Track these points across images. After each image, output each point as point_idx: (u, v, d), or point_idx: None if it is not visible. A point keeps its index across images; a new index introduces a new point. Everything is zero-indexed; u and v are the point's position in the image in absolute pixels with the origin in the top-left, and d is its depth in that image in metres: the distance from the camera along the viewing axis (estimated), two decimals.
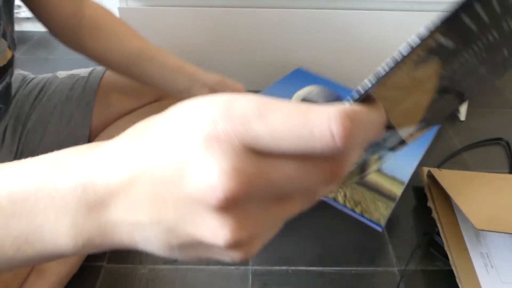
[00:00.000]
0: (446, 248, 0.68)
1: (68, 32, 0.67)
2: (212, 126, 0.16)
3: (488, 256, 0.67)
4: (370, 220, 0.54)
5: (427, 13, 0.94)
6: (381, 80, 0.18)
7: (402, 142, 0.29)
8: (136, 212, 0.19)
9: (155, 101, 0.78)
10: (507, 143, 0.98)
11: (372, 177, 0.61)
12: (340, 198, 0.56)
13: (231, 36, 0.95)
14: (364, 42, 0.98)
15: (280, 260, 0.69)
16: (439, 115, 0.30)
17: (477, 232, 0.71)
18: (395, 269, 0.69)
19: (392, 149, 0.30)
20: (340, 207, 0.55)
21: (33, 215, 0.20)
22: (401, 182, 0.67)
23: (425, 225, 0.77)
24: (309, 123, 0.16)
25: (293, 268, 0.68)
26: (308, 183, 0.17)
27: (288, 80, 0.87)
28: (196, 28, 0.94)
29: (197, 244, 0.18)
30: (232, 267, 0.68)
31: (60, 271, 0.61)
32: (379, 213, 0.56)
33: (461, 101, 0.30)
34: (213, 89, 0.68)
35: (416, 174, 0.86)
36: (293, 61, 0.98)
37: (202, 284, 0.65)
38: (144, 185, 0.18)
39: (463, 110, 1.06)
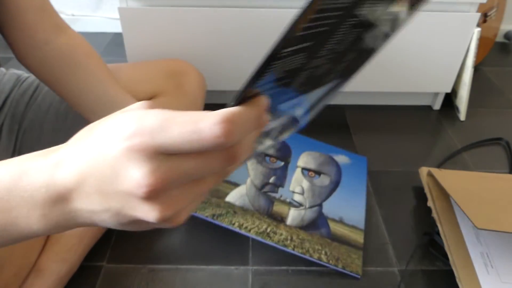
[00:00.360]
0: (446, 248, 0.68)
1: (36, 62, 0.60)
2: (130, 141, 0.22)
3: (488, 256, 0.67)
4: (351, 272, 0.67)
5: (426, 13, 0.94)
6: (259, 76, 0.22)
7: (319, 101, 0.34)
8: (90, 202, 0.25)
9: (150, 98, 0.79)
10: (507, 143, 0.98)
11: (339, 230, 0.73)
12: (324, 257, 0.67)
13: (231, 36, 0.95)
14: None
15: (280, 260, 0.69)
16: (347, 73, 0.33)
17: (477, 232, 0.71)
18: (395, 269, 0.69)
19: (310, 110, 0.34)
20: (326, 265, 0.67)
21: (8, 211, 0.26)
22: (361, 230, 0.74)
23: (425, 225, 0.77)
24: (198, 130, 0.22)
25: (293, 268, 0.68)
26: (211, 169, 0.24)
27: None
28: (196, 28, 0.94)
29: (139, 221, 0.25)
30: (232, 267, 0.68)
31: (60, 270, 0.61)
32: (355, 264, 0.68)
33: (369, 56, 0.32)
34: None
35: (416, 174, 0.86)
36: None
37: (202, 284, 0.65)
38: (92, 184, 0.24)
39: (463, 110, 1.06)
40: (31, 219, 0.26)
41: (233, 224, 0.68)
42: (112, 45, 1.41)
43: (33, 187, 0.25)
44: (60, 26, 0.61)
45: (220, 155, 0.23)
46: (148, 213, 0.23)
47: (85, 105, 0.64)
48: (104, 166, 0.23)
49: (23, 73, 0.75)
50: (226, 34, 0.95)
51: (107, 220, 0.25)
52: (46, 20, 0.59)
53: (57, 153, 0.26)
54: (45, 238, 0.62)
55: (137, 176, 0.22)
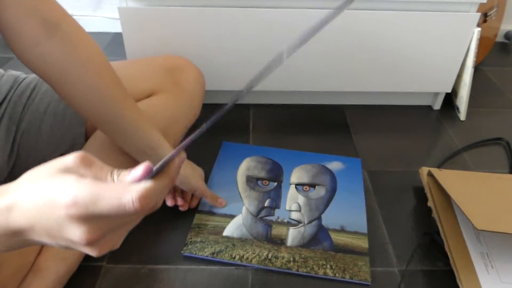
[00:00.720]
0: (446, 248, 0.68)
1: (28, 63, 0.54)
2: (68, 210, 0.30)
3: (488, 256, 0.67)
4: (360, 281, 0.66)
5: (426, 13, 0.94)
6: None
7: None
8: (42, 238, 0.33)
9: (147, 96, 0.78)
10: (507, 143, 0.98)
11: (342, 239, 0.72)
12: (329, 271, 0.67)
13: (231, 36, 0.95)
14: (365, 42, 0.97)
15: None
16: None
17: (477, 232, 0.71)
18: (395, 269, 0.69)
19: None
20: (333, 278, 0.66)
21: None
22: (363, 234, 0.74)
23: (425, 225, 0.77)
24: (122, 205, 0.30)
25: None
26: (132, 220, 0.34)
27: (223, 158, 0.91)
28: (196, 28, 0.94)
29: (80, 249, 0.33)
30: (232, 267, 0.68)
31: (59, 270, 0.61)
32: (363, 271, 0.67)
33: None
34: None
35: (416, 174, 0.86)
36: (294, 61, 0.98)
37: (202, 284, 0.65)
38: (40, 228, 0.32)
39: (463, 110, 1.06)
40: None
41: (234, 258, 0.68)
42: (112, 45, 1.41)
43: None
44: (54, 23, 0.53)
45: (139, 213, 0.32)
46: (89, 251, 0.33)
47: (84, 111, 0.61)
48: (50, 220, 0.31)
49: (21, 74, 0.75)
50: (226, 34, 0.95)
51: (57, 246, 0.33)
52: (34, 18, 0.52)
53: (8, 197, 0.33)
54: None
55: (77, 233, 0.31)
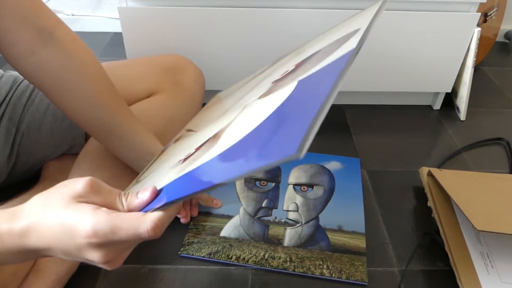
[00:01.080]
0: (446, 248, 0.68)
1: (24, 72, 0.54)
2: (90, 240, 0.34)
3: (488, 256, 0.67)
4: (356, 281, 0.66)
5: (427, 13, 0.94)
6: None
7: None
8: (58, 255, 0.36)
9: (147, 96, 0.78)
10: (507, 143, 0.98)
11: (339, 239, 0.72)
12: (326, 271, 0.67)
13: (231, 37, 0.95)
14: (365, 42, 0.97)
15: None
16: None
17: (477, 232, 0.71)
18: (395, 269, 0.69)
19: None
20: (330, 279, 0.66)
21: None
22: (361, 234, 0.74)
23: (425, 225, 0.77)
24: (138, 233, 0.34)
25: None
26: (143, 240, 0.36)
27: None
28: (196, 28, 0.94)
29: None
30: (232, 267, 0.68)
31: (59, 270, 0.61)
32: (359, 271, 0.67)
33: None
34: None
35: (416, 174, 0.86)
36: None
37: (202, 284, 0.65)
38: (59, 250, 0.36)
39: (463, 110, 1.06)
40: (7, 257, 0.37)
41: (231, 258, 0.68)
42: (112, 45, 1.41)
43: (7, 246, 0.35)
44: (48, 31, 0.53)
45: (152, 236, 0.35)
46: (106, 267, 0.37)
47: (79, 119, 0.60)
48: (69, 246, 0.35)
49: (20, 75, 0.74)
50: (226, 34, 0.95)
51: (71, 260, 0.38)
52: (29, 27, 0.51)
53: (21, 221, 0.35)
54: None
55: (96, 256, 0.35)
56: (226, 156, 0.33)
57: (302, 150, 0.25)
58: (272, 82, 0.48)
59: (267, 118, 0.34)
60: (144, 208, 0.37)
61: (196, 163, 0.37)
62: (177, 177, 0.38)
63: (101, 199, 0.36)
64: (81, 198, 0.35)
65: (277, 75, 0.50)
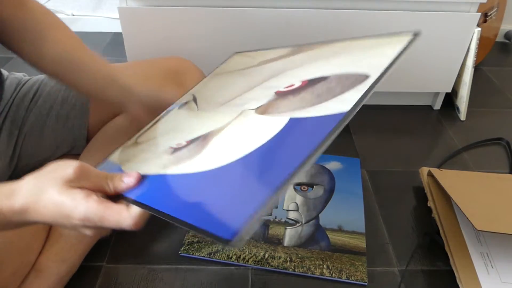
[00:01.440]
0: (446, 248, 0.68)
1: (2, 36, 0.60)
2: (83, 222, 0.39)
3: (488, 256, 0.67)
4: (356, 281, 0.66)
5: (426, 13, 0.94)
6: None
7: None
8: (54, 225, 0.42)
9: None
10: (507, 143, 0.98)
11: (339, 239, 0.72)
12: (326, 271, 0.67)
13: (231, 37, 0.95)
14: None
15: None
16: None
17: (477, 232, 0.71)
18: (395, 269, 0.69)
19: None
20: (330, 279, 0.66)
21: None
22: (361, 234, 0.74)
23: (425, 225, 0.77)
24: (121, 226, 0.39)
25: None
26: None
27: None
28: (196, 28, 0.94)
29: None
30: (232, 267, 0.68)
31: (60, 270, 0.61)
32: (359, 271, 0.67)
33: None
34: (147, 106, 0.63)
35: (416, 174, 0.86)
36: None
37: (202, 284, 0.65)
38: (55, 225, 0.41)
39: (463, 110, 1.06)
40: (9, 227, 0.41)
41: (230, 258, 0.68)
42: (112, 45, 1.41)
43: (9, 219, 0.40)
44: (21, 1, 0.59)
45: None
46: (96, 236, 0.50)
47: (60, 74, 0.63)
48: (65, 224, 0.40)
49: (24, 76, 0.75)
50: (226, 34, 0.95)
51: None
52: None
53: (19, 200, 0.39)
54: (44, 238, 0.62)
55: (89, 232, 0.41)
56: (192, 189, 0.39)
57: (240, 240, 0.30)
58: (275, 93, 0.48)
59: (240, 164, 0.38)
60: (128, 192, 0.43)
61: (176, 168, 0.43)
62: (158, 173, 0.43)
63: (90, 183, 0.40)
64: (72, 183, 0.39)
65: (283, 83, 0.50)
